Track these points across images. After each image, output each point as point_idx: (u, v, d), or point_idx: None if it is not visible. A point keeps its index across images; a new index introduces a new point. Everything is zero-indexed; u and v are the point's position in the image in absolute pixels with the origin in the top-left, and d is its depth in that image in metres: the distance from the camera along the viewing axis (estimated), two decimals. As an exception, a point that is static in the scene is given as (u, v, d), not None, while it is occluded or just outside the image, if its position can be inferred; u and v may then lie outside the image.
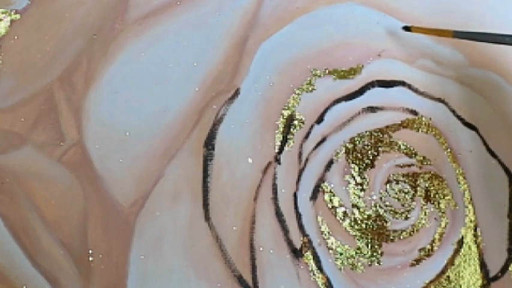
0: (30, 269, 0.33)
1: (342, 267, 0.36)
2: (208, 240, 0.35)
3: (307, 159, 0.38)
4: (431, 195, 0.39)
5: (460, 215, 0.39)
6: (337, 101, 0.39)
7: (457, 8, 0.42)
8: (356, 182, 0.38)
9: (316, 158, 0.38)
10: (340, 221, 0.37)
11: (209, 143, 0.37)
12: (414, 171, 0.39)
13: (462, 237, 0.38)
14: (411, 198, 0.38)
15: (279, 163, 0.37)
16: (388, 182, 0.38)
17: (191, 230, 0.35)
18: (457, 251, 0.38)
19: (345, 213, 0.37)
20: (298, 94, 0.39)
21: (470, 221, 0.39)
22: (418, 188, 0.39)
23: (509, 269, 0.38)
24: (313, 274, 0.36)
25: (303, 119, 0.38)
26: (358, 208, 0.38)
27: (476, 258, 0.38)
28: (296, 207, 0.37)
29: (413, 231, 0.38)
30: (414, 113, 0.40)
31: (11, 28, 0.37)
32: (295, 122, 0.38)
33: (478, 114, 0.40)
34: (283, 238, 0.36)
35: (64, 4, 0.38)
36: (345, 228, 0.37)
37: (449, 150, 0.40)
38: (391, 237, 0.38)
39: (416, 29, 0.39)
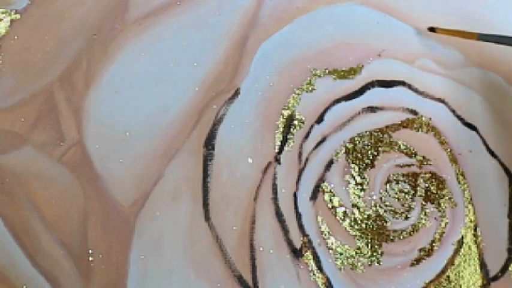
0: (30, 269, 0.33)
1: (342, 267, 0.36)
2: (208, 240, 0.35)
3: (307, 159, 0.38)
4: (431, 195, 0.39)
5: (460, 215, 0.39)
6: (337, 101, 0.39)
7: (457, 8, 0.42)
8: (356, 182, 0.38)
9: (316, 158, 0.38)
10: (340, 221, 0.37)
11: (209, 143, 0.37)
12: (414, 171, 0.39)
13: (462, 237, 0.38)
14: (411, 198, 0.38)
15: (279, 163, 0.37)
16: (388, 182, 0.38)
17: (191, 230, 0.35)
18: (457, 251, 0.38)
19: (345, 213, 0.37)
20: (298, 94, 0.39)
21: (470, 221, 0.39)
22: (418, 188, 0.39)
23: (509, 269, 0.38)
24: (313, 274, 0.36)
25: (303, 119, 0.38)
26: (358, 208, 0.38)
27: (476, 258, 0.38)
28: (296, 207, 0.37)
29: (413, 231, 0.38)
30: (414, 113, 0.40)
31: (11, 28, 0.37)
32: (295, 122, 0.38)
33: (478, 114, 0.40)
34: (283, 238, 0.36)
35: (64, 4, 0.38)
36: (345, 228, 0.37)
37: (449, 150, 0.40)
38: (391, 237, 0.38)
39: (441, 31, 0.40)
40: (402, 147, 0.39)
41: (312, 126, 0.38)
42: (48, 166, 0.35)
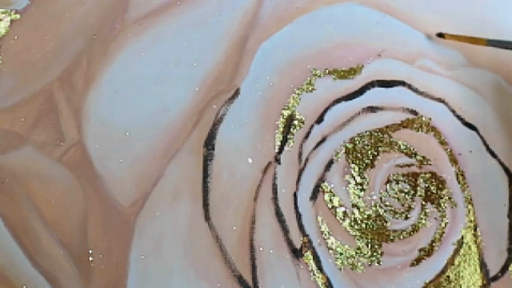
0: (30, 269, 0.33)
1: (342, 267, 0.36)
2: (208, 240, 0.35)
3: (307, 159, 0.38)
4: (431, 195, 0.39)
5: (460, 215, 0.39)
6: (337, 101, 0.39)
7: (457, 8, 0.42)
8: (356, 182, 0.38)
9: (316, 158, 0.38)
10: (340, 221, 0.37)
11: (209, 143, 0.37)
12: (414, 171, 0.39)
13: (462, 237, 0.38)
14: (411, 198, 0.38)
15: (279, 163, 0.37)
16: (388, 182, 0.38)
17: (191, 230, 0.35)
18: (457, 251, 0.38)
19: (345, 213, 0.37)
20: (298, 94, 0.39)
21: (470, 221, 0.39)
22: (418, 188, 0.39)
23: (509, 269, 0.38)
24: (313, 274, 0.36)
25: (303, 119, 0.38)
26: (358, 208, 0.38)
27: (476, 258, 0.38)
28: (296, 207, 0.37)
29: (413, 231, 0.38)
30: (414, 113, 0.40)
31: (11, 28, 0.37)
32: (295, 122, 0.38)
33: (478, 114, 0.40)
34: (283, 238, 0.36)
35: (64, 4, 0.38)
36: (345, 228, 0.37)
37: (449, 150, 0.40)
38: (391, 237, 0.38)
39: (449, 36, 0.40)
40: (402, 147, 0.39)
41: (312, 126, 0.38)
42: (48, 166, 0.35)
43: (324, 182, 0.38)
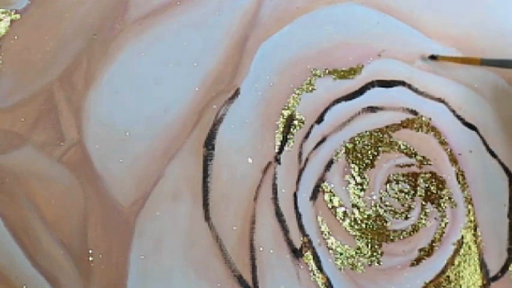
0: (30, 269, 0.33)
1: (342, 267, 0.36)
2: (208, 240, 0.35)
3: (307, 159, 0.38)
4: (431, 195, 0.39)
5: (460, 215, 0.39)
6: (337, 101, 0.39)
7: (457, 8, 0.42)
8: (356, 182, 0.38)
9: (316, 158, 0.38)
10: (340, 221, 0.37)
11: (209, 143, 0.37)
12: (414, 171, 0.39)
13: (462, 237, 0.38)
14: (411, 198, 0.38)
15: (279, 163, 0.37)
16: (388, 182, 0.38)
17: (191, 230, 0.35)
18: (457, 251, 0.38)
19: (345, 213, 0.37)
20: (298, 94, 0.39)
21: (470, 221, 0.39)
22: (418, 188, 0.39)
23: (509, 269, 0.38)
24: (313, 274, 0.36)
25: (303, 119, 0.38)
26: (358, 208, 0.38)
27: (476, 258, 0.38)
28: (296, 207, 0.37)
29: (413, 231, 0.38)
30: (414, 113, 0.40)
31: (11, 28, 0.37)
32: (295, 122, 0.38)
33: (478, 114, 0.40)
34: (283, 238, 0.36)
35: (64, 4, 0.38)
36: (345, 228, 0.37)
37: (449, 150, 0.40)
38: (391, 237, 0.38)
39: (443, 58, 0.40)
40: (402, 147, 0.39)
41: (312, 126, 0.38)
42: (48, 166, 0.35)
43: (324, 182, 0.38)
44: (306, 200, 0.37)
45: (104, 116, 0.36)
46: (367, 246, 0.37)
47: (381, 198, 0.38)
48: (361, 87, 0.40)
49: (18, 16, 0.37)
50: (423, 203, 0.39)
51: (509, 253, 0.38)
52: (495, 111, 0.41)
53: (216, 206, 0.36)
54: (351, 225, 0.37)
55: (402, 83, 0.40)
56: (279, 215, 0.36)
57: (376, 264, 0.37)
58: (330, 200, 0.37)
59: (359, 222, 0.37)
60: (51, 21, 0.38)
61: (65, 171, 0.35)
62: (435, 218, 0.38)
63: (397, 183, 0.39)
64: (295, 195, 0.37)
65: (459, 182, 0.39)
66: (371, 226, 0.37)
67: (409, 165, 0.39)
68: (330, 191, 0.37)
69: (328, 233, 0.37)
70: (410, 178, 0.39)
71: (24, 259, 0.33)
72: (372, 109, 0.39)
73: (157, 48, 0.38)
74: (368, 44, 0.41)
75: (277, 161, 0.37)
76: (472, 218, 0.39)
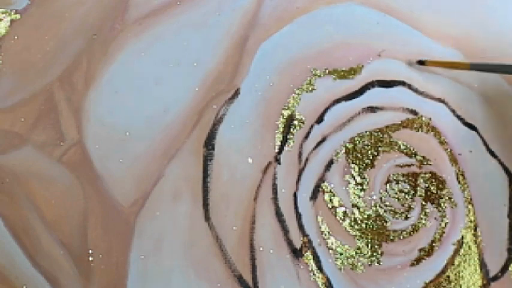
0: (30, 269, 0.33)
1: (342, 267, 0.36)
2: (208, 240, 0.35)
3: (307, 159, 0.38)
4: (431, 195, 0.39)
5: (460, 215, 0.39)
6: (337, 101, 0.39)
7: (457, 8, 0.42)
8: (356, 182, 0.38)
9: (316, 158, 0.38)
10: (340, 221, 0.37)
11: (209, 143, 0.37)
12: (414, 171, 0.39)
13: (462, 237, 0.38)
14: (411, 198, 0.38)
15: (279, 163, 0.37)
16: (388, 182, 0.38)
17: (191, 230, 0.35)
18: (457, 251, 0.38)
19: (345, 213, 0.37)
20: (298, 94, 0.39)
21: (470, 221, 0.39)
22: (418, 188, 0.39)
23: (509, 269, 0.38)
24: (313, 274, 0.36)
25: (303, 119, 0.38)
26: (358, 208, 0.38)
27: (476, 258, 0.38)
28: (296, 207, 0.37)
29: (413, 231, 0.38)
30: (414, 113, 0.40)
31: (11, 28, 0.37)
32: (295, 122, 0.38)
33: (478, 114, 0.40)
34: (283, 238, 0.36)
35: (64, 4, 0.38)
36: (345, 228, 0.37)
37: (449, 150, 0.40)
38: (391, 237, 0.38)
39: (431, 63, 0.39)
40: (402, 147, 0.39)
41: (312, 126, 0.38)
42: (48, 166, 0.35)
43: (324, 182, 0.38)
44: (306, 200, 0.37)
45: (104, 116, 0.36)
46: (367, 246, 0.37)
47: (381, 198, 0.38)
48: (361, 87, 0.40)
49: (18, 16, 0.37)
50: (423, 203, 0.39)
51: (509, 253, 0.38)
52: (495, 111, 0.41)
53: (216, 206, 0.36)
54: (351, 225, 0.37)
55: (402, 83, 0.40)
56: (279, 215, 0.36)
57: (376, 264, 0.37)
58: (330, 200, 0.37)
59: (359, 222, 0.37)
60: (51, 21, 0.38)
61: (65, 171, 0.35)
62: (435, 218, 0.38)
63: (397, 183, 0.39)
64: (295, 195, 0.37)
65: (459, 182, 0.39)
66: (371, 226, 0.37)
67: (409, 165, 0.39)
68: (330, 191, 0.37)
69: (328, 233, 0.37)
70: (410, 178, 0.39)
71: (24, 259, 0.33)
72: (372, 109, 0.39)
73: (157, 48, 0.38)
74: (368, 44, 0.41)
75: (277, 161, 0.37)
76: (472, 218, 0.39)
